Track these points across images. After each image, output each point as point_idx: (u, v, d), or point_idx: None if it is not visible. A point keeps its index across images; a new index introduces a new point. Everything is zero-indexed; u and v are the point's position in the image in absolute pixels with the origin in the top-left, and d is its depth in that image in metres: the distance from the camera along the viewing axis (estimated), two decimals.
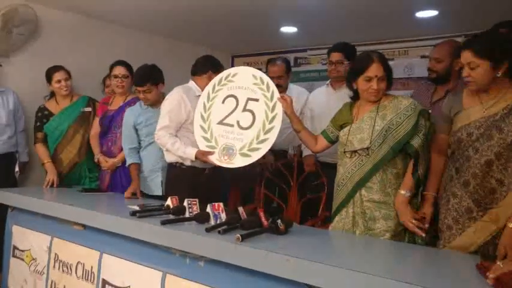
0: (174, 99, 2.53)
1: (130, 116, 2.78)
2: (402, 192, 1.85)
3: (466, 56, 1.65)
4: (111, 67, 3.06)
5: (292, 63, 5.17)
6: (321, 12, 3.62)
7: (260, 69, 2.42)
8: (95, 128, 3.12)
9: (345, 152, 1.99)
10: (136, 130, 2.77)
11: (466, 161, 1.68)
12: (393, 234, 1.85)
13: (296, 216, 2.93)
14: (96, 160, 3.03)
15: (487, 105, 1.67)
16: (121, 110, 2.96)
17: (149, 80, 2.66)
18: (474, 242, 1.63)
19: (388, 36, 4.36)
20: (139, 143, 2.79)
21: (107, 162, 2.94)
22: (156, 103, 2.75)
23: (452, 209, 1.69)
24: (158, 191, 2.75)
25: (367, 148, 1.91)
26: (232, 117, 2.30)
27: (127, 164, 2.76)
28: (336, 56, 2.99)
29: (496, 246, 1.57)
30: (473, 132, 1.67)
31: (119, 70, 3.01)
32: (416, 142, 1.85)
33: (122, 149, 2.87)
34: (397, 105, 1.91)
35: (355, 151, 1.95)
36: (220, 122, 2.33)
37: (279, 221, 1.66)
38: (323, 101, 3.07)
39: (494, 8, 3.28)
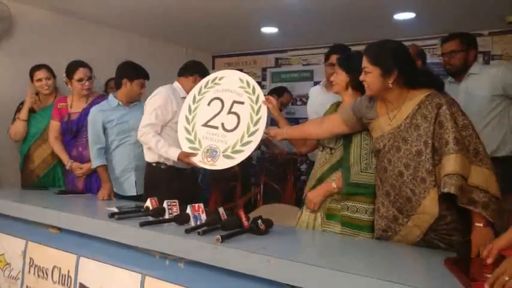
0: (161, 97, 2.53)
1: (98, 114, 2.69)
2: (333, 185, 1.91)
3: (363, 61, 1.73)
4: (72, 69, 2.86)
5: (273, 64, 5.22)
6: (301, 13, 3.64)
7: (241, 70, 2.44)
8: (54, 131, 2.92)
9: (319, 145, 2.08)
10: (105, 129, 2.69)
11: (384, 172, 1.73)
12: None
13: (292, 199, 3.36)
14: (68, 167, 2.86)
15: (392, 115, 1.73)
16: (87, 112, 2.81)
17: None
18: (407, 242, 1.69)
19: (367, 37, 4.39)
20: (108, 144, 2.73)
21: (81, 169, 2.83)
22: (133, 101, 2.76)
23: (383, 216, 1.75)
24: (132, 192, 2.72)
25: (331, 148, 1.99)
26: (217, 120, 2.30)
27: (94, 166, 2.67)
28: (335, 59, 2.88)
29: (426, 242, 1.63)
30: (386, 144, 1.73)
31: (84, 72, 2.86)
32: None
33: None
34: None
35: (324, 146, 2.03)
36: (205, 124, 2.32)
37: (259, 221, 1.66)
38: (317, 101, 3.02)
39: (469, 11, 3.38)
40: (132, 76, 2.69)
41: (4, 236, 2.36)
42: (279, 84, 5.13)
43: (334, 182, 1.92)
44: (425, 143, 1.60)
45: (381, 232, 1.76)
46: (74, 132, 2.88)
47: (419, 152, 1.62)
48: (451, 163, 1.53)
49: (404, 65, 1.67)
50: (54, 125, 2.93)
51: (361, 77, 1.75)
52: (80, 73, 2.85)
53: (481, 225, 1.52)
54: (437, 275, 1.32)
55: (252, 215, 3.21)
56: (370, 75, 1.71)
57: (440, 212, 1.59)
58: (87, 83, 2.86)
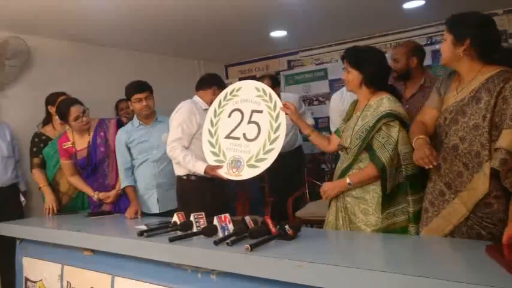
0: (184, 111, 2.58)
1: (122, 135, 2.78)
2: (347, 180, 1.89)
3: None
4: (65, 112, 2.75)
5: (285, 67, 5.22)
6: (308, 14, 3.63)
7: (254, 76, 2.45)
8: (68, 169, 2.89)
9: (339, 145, 2.07)
10: (129, 149, 2.77)
11: (440, 145, 1.70)
12: (374, 229, 1.85)
13: None
14: (95, 199, 2.85)
15: (460, 88, 1.69)
16: (94, 145, 2.85)
17: (148, 87, 2.74)
18: (449, 223, 1.64)
19: (378, 30, 4.37)
20: (132, 162, 2.79)
21: (109, 197, 2.84)
22: (150, 117, 2.79)
23: (428, 192, 1.73)
24: (155, 209, 2.76)
25: (347, 148, 1.97)
26: (238, 130, 2.32)
27: (122, 186, 2.74)
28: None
29: (468, 228, 1.59)
30: (446, 117, 1.69)
31: (77, 110, 2.75)
32: (384, 155, 1.82)
33: (116, 179, 2.84)
34: (378, 107, 1.90)
35: (343, 147, 2.01)
36: (227, 136, 2.35)
37: (286, 227, 1.65)
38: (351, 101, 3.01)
39: None
40: (127, 96, 2.75)
41: (41, 262, 2.43)
42: (294, 86, 5.14)
43: (348, 178, 1.90)
44: (484, 116, 1.55)
45: (423, 211, 1.73)
46: (89, 170, 2.87)
47: (476, 126, 1.57)
48: (502, 138, 1.48)
49: (478, 36, 1.61)
50: (66, 164, 2.88)
51: (440, 46, 1.74)
52: (74, 112, 2.76)
53: None
54: (479, 266, 1.28)
55: (301, 212, 3.35)
56: (444, 43, 1.69)
57: (487, 199, 1.54)
58: (84, 119, 2.78)
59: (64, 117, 2.80)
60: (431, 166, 1.62)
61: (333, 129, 3.21)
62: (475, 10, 2.65)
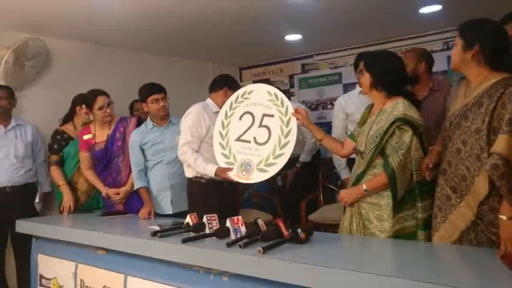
0: (194, 115, 2.60)
1: (136, 136, 2.81)
2: (364, 187, 1.89)
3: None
4: (91, 99, 2.88)
5: (299, 70, 5.22)
6: (324, 17, 3.63)
7: (268, 79, 2.45)
8: (85, 162, 2.96)
9: (354, 149, 2.06)
10: (143, 150, 2.80)
11: (445, 149, 1.73)
12: (388, 235, 1.84)
13: None
14: (104, 195, 2.89)
15: (468, 93, 1.70)
16: (113, 138, 2.92)
17: (164, 89, 2.79)
18: (457, 228, 1.63)
19: (394, 34, 4.34)
20: (146, 164, 2.82)
21: (118, 194, 2.86)
22: (165, 119, 2.82)
23: (436, 197, 1.73)
24: (169, 210, 2.78)
25: (362, 152, 1.95)
26: (249, 134, 2.33)
27: (136, 187, 2.77)
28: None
29: (477, 234, 1.59)
30: (452, 122, 1.72)
31: (103, 100, 2.88)
32: (395, 160, 1.80)
33: (128, 175, 2.87)
34: (392, 111, 1.88)
35: (359, 151, 2.00)
36: (238, 139, 2.36)
37: (299, 230, 1.65)
38: (359, 105, 2.94)
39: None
40: (142, 97, 2.79)
41: (55, 260, 2.47)
42: (307, 90, 5.13)
43: (364, 184, 1.90)
44: (483, 120, 1.57)
45: (433, 217, 1.74)
46: (104, 162, 2.92)
47: (478, 130, 1.59)
48: (497, 143, 1.49)
49: (487, 43, 1.63)
50: (85, 156, 2.95)
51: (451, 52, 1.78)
52: (100, 101, 2.88)
53: (504, 217, 1.46)
54: (491, 273, 1.27)
55: (315, 215, 3.34)
56: (455, 48, 1.71)
57: (491, 203, 1.54)
58: (108, 110, 2.89)
59: (90, 106, 2.91)
60: (427, 178, 1.79)
61: (334, 135, 3.18)
62: (492, 17, 2.60)
